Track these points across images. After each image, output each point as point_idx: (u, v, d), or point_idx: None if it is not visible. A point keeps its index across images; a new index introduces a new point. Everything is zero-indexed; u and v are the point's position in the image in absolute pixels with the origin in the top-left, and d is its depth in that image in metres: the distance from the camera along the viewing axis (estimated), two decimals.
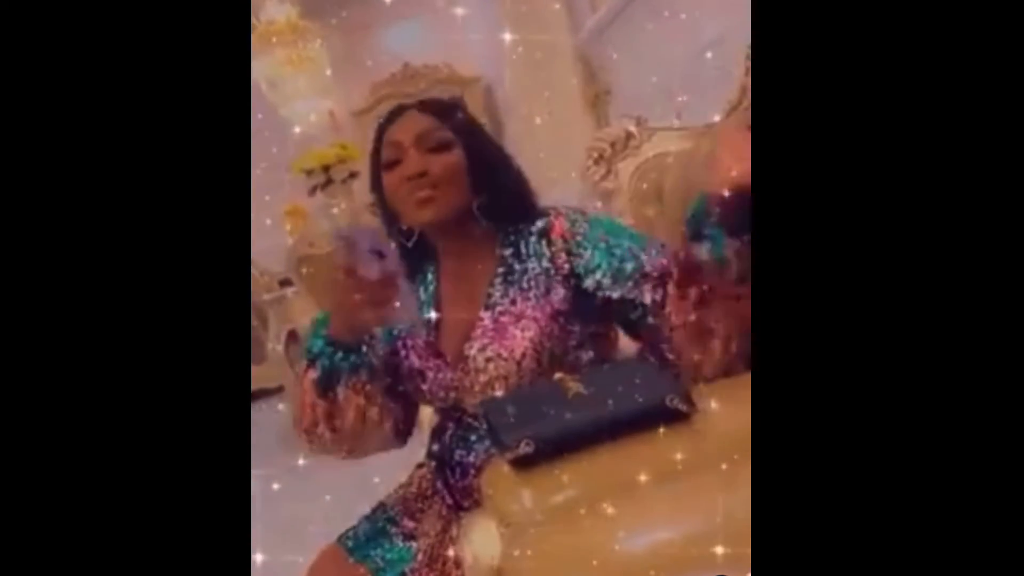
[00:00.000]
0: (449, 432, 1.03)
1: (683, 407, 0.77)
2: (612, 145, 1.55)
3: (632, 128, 1.53)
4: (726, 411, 0.78)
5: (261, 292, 3.49)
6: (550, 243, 0.99)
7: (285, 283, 3.46)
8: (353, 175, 3.63)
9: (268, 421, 4.18)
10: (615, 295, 0.94)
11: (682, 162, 1.42)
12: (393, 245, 0.91)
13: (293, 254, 3.09)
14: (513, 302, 0.99)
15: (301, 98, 4.13)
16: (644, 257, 0.94)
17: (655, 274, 0.92)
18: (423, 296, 1.06)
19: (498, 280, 1.01)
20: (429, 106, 1.02)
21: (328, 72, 4.13)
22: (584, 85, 2.55)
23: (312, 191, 3.62)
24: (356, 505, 1.14)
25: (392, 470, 1.18)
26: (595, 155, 1.55)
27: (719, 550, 0.66)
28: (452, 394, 1.01)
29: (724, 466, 0.72)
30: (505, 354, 0.96)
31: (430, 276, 1.08)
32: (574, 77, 2.54)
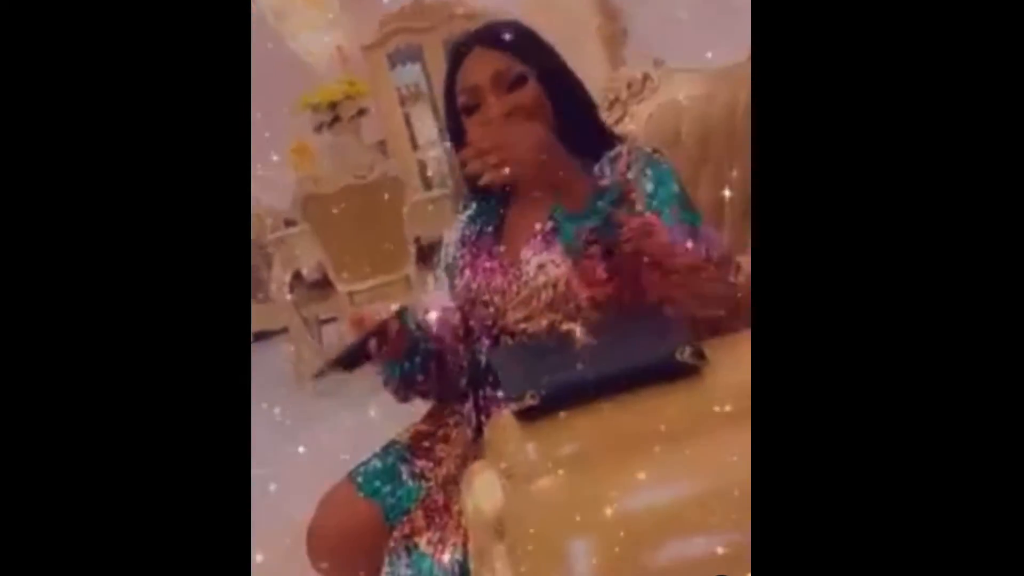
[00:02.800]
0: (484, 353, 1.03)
1: (693, 360, 0.76)
2: (628, 87, 1.51)
3: (649, 70, 1.49)
4: (734, 368, 0.77)
5: (265, 232, 3.47)
6: (614, 173, 0.98)
7: (290, 223, 3.44)
8: (361, 112, 3.57)
9: (270, 363, 4.21)
10: None
11: (699, 105, 1.38)
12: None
13: (298, 193, 3.06)
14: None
15: (309, 30, 4.04)
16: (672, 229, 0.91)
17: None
18: (488, 216, 1.10)
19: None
20: (494, 38, 1.01)
21: (336, 4, 4.04)
22: (601, 24, 2.49)
23: (319, 128, 3.56)
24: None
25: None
26: (611, 97, 1.51)
27: (719, 550, 0.65)
28: (497, 299, 1.01)
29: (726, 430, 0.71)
30: (558, 260, 0.95)
31: (495, 215, 1.09)
32: (591, 16, 2.48)
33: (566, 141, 0.94)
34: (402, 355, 1.02)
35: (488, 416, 1.01)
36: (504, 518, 0.74)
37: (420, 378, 1.04)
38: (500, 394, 0.96)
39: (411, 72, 4.87)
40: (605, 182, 0.90)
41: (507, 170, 0.81)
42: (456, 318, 1.07)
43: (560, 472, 0.74)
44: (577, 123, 1.01)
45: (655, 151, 1.00)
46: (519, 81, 0.99)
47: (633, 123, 1.49)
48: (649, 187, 0.95)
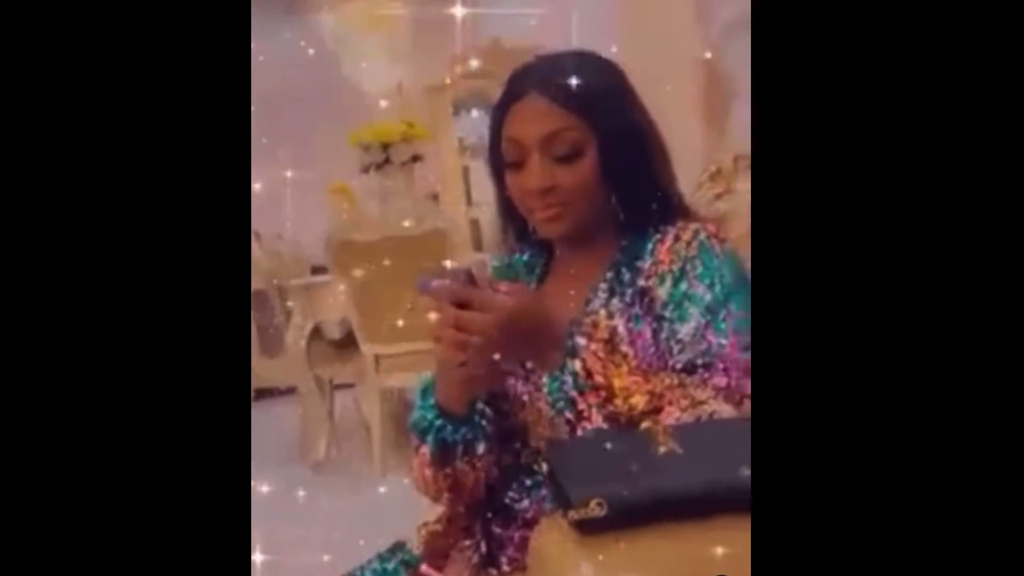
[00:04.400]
0: (501, 465, 0.99)
1: None
2: (735, 161, 1.49)
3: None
4: None
5: (289, 277, 3.51)
6: (655, 260, 0.96)
7: (318, 270, 3.47)
8: (415, 158, 3.61)
9: (269, 427, 4.18)
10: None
11: None
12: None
13: (333, 239, 3.09)
14: (611, 315, 0.96)
15: (370, 60, 4.15)
16: (710, 338, 0.90)
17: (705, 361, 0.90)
18: (532, 283, 1.07)
19: (604, 285, 0.99)
20: (554, 87, 0.94)
21: (405, 36, 4.15)
22: (706, 91, 2.50)
23: (366, 169, 3.60)
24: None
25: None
26: (713, 169, 1.49)
27: (719, 550, 0.68)
28: (527, 394, 0.97)
29: None
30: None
31: (540, 262, 1.08)
32: (695, 80, 2.49)
33: (623, 210, 0.99)
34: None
35: (497, 541, 0.98)
36: None
37: (481, 448, 0.95)
38: (552, 496, 0.91)
39: (476, 121, 4.95)
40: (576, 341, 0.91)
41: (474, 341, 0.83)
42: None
43: None
44: (641, 194, 0.98)
45: (714, 235, 0.96)
46: (575, 152, 0.94)
47: (737, 202, 1.46)
48: (689, 280, 0.93)
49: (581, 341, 0.90)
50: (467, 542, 1.02)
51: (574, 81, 0.94)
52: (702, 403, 0.85)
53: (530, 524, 0.93)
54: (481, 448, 0.94)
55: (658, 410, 0.85)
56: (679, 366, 0.89)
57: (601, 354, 0.89)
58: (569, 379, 0.87)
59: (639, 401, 0.86)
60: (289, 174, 3.81)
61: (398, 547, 1.09)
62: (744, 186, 1.47)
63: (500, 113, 0.99)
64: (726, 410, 0.85)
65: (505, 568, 0.97)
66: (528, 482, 0.97)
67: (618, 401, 0.86)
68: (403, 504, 1.17)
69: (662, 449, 0.75)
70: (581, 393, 0.87)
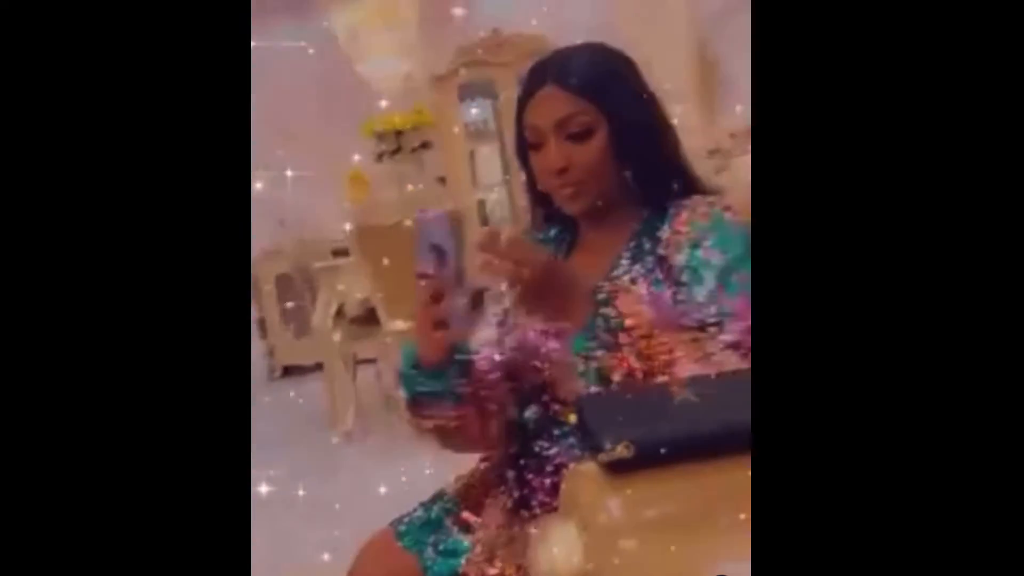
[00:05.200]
0: (533, 418, 1.04)
1: None
2: (732, 136, 1.53)
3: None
4: None
5: (313, 260, 3.55)
6: (673, 231, 1.01)
7: (339, 253, 3.51)
8: (425, 145, 3.66)
9: (298, 402, 4.23)
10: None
11: None
12: (453, 244, 0.92)
13: (354, 223, 3.14)
14: (633, 280, 1.01)
15: (381, 54, 4.17)
16: (723, 299, 0.95)
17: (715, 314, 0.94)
18: (560, 256, 1.11)
19: (627, 254, 1.04)
20: (566, 77, 1.01)
21: (414, 30, 4.16)
22: (699, 73, 2.53)
23: (380, 157, 3.66)
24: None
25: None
26: (710, 147, 1.54)
27: (726, 483, 0.71)
28: (556, 351, 1.02)
29: None
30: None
31: (567, 238, 1.13)
32: (688, 62, 2.53)
33: (639, 186, 1.05)
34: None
35: (529, 487, 1.03)
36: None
37: (447, 403, 0.99)
38: (582, 443, 0.96)
39: (481, 108, 4.97)
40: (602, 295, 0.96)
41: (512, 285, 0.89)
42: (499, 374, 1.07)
43: (645, 535, 0.74)
44: (652, 171, 1.04)
45: (726, 208, 1.02)
46: (587, 132, 1.00)
47: (734, 176, 1.51)
48: (704, 248, 0.99)
49: (611, 292, 0.96)
50: (500, 489, 1.07)
51: (583, 70, 1.02)
52: (712, 355, 0.90)
53: (559, 470, 0.99)
54: (447, 404, 0.99)
55: (673, 363, 0.91)
56: (693, 324, 0.95)
57: (630, 300, 0.96)
58: (602, 323, 0.93)
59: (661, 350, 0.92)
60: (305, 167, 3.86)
61: (439, 496, 1.14)
62: (740, 160, 1.52)
63: (522, 103, 1.05)
64: (733, 362, 0.90)
65: (537, 511, 1.01)
66: (556, 432, 1.02)
67: (651, 342, 0.92)
68: (426, 468, 1.22)
69: (678, 398, 0.80)
70: (614, 333, 0.92)
